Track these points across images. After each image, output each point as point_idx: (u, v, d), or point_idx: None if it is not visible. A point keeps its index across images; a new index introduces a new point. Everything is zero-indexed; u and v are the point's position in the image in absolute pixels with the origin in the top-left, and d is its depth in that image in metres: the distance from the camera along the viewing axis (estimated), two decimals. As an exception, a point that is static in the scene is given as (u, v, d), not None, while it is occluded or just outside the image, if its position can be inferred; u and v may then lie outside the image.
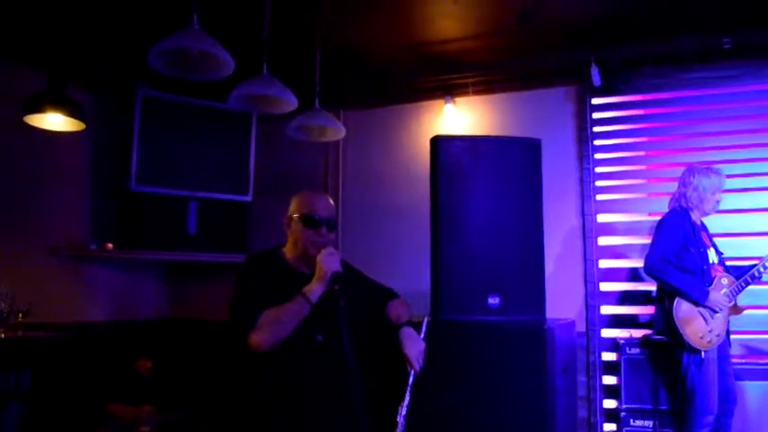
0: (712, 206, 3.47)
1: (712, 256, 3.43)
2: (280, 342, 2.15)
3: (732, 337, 3.47)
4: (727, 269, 3.47)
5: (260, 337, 2.14)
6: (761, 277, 3.38)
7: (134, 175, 4.14)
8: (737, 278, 3.38)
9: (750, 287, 3.41)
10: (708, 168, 3.48)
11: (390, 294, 2.60)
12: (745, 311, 3.43)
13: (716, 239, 3.60)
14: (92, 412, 3.43)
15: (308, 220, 2.32)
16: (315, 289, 2.20)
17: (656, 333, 3.52)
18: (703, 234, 3.48)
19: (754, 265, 3.38)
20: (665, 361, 3.60)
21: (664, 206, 4.10)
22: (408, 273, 3.85)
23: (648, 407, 3.66)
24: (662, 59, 4.12)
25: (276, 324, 2.15)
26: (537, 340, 2.86)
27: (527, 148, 3.14)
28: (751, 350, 3.73)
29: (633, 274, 4.14)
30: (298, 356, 2.22)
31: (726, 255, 3.58)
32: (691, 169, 3.53)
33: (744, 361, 3.56)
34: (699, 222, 3.51)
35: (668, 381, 3.59)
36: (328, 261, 2.22)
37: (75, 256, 4.24)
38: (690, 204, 3.48)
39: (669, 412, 3.59)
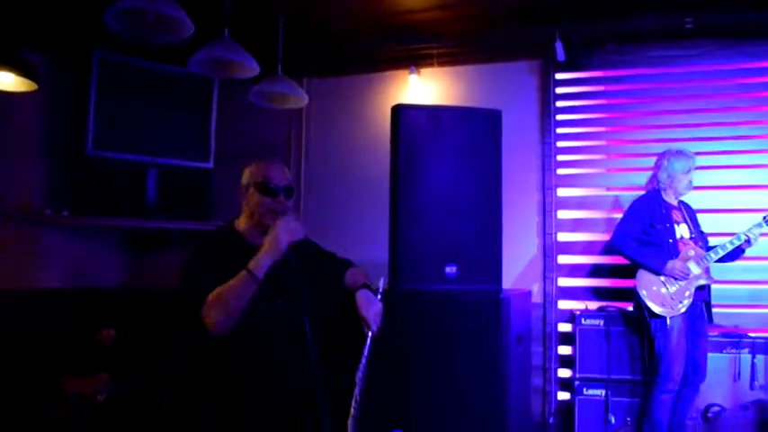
0: (685, 186, 3.62)
1: (681, 232, 3.57)
2: (232, 320, 2.06)
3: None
4: (708, 246, 3.57)
5: (210, 320, 2.06)
6: (737, 251, 3.48)
7: (91, 140, 4.01)
8: (707, 251, 3.50)
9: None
10: (679, 151, 3.63)
11: (348, 264, 2.58)
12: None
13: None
14: (45, 386, 3.37)
15: (265, 188, 2.26)
16: (262, 264, 2.08)
17: (635, 307, 3.62)
18: (675, 212, 3.62)
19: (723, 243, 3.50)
20: (625, 331, 3.75)
21: (623, 181, 4.20)
22: (369, 242, 3.85)
23: (601, 376, 3.76)
24: (625, 37, 4.17)
25: (222, 304, 2.05)
26: (492, 309, 2.92)
27: (488, 118, 3.16)
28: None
29: (591, 248, 4.22)
30: (255, 323, 2.16)
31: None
32: (664, 153, 3.67)
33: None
34: (673, 202, 3.65)
35: (635, 350, 3.71)
36: (284, 231, 2.13)
37: (29, 222, 4.13)
38: (661, 185, 3.64)
39: (629, 382, 3.71)
